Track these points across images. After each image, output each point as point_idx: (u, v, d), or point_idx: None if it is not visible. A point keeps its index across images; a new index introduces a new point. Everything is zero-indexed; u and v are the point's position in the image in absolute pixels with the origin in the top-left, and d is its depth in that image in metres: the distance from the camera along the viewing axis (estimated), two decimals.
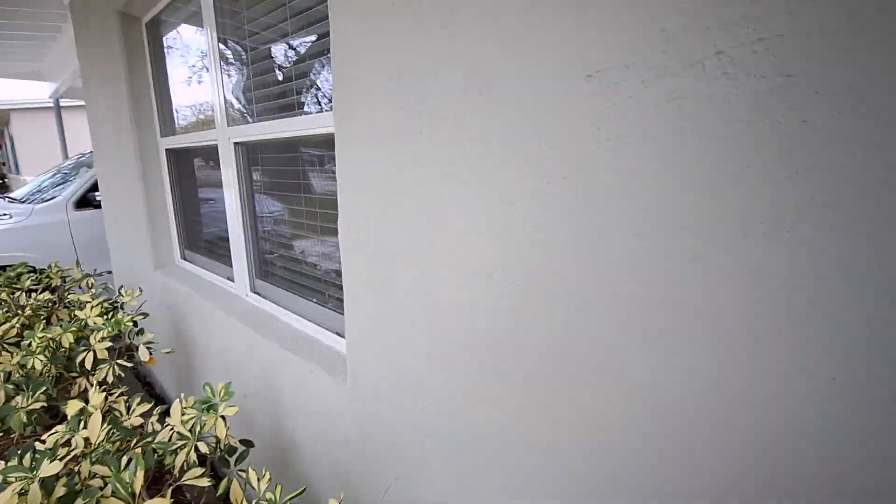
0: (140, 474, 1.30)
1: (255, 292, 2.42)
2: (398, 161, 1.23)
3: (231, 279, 2.58)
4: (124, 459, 1.37)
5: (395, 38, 1.16)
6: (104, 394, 1.78)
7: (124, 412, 1.76)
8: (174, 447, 1.55)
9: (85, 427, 1.55)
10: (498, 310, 1.07)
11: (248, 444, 1.79)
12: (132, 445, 1.68)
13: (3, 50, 5.48)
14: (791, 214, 0.67)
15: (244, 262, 2.41)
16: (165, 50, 2.94)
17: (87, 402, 1.73)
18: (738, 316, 0.73)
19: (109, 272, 4.25)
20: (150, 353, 2.45)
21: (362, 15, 1.24)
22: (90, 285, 3.42)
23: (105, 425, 1.53)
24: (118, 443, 1.61)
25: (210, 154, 2.64)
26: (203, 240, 3.03)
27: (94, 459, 1.40)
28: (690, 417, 0.80)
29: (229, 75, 2.28)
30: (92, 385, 2.36)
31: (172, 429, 1.59)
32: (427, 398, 1.31)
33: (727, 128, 0.70)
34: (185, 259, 3.16)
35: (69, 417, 1.64)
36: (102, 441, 1.49)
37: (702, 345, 0.77)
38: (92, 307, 2.49)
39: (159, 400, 3.63)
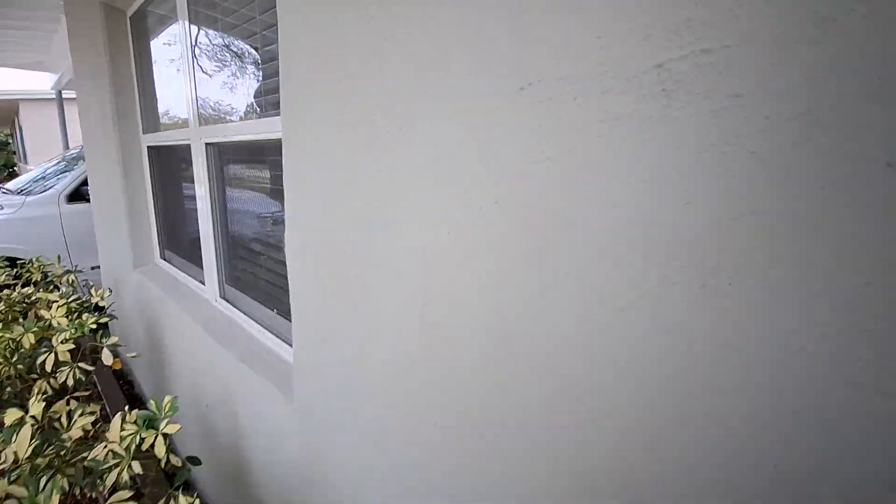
0: (55, 498, 1.21)
1: (224, 298, 2.33)
2: (341, 174, 1.12)
3: (204, 283, 2.50)
4: (43, 480, 1.28)
5: (338, 42, 1.06)
6: (44, 403, 1.70)
7: (65, 423, 1.68)
8: (106, 466, 1.45)
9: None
10: (429, 339, 0.96)
11: (194, 461, 1.70)
12: (69, 461, 1.59)
13: (7, 40, 5.50)
14: (728, 270, 0.55)
15: (214, 267, 2.32)
16: (150, 45, 2.87)
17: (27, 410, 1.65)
18: (656, 372, 0.62)
19: (98, 267, 4.21)
20: (116, 356, 2.38)
21: (306, 17, 1.14)
22: (70, 282, 3.37)
23: (33, 440, 1.44)
24: (52, 458, 1.53)
25: (188, 153, 2.56)
26: (181, 241, 2.96)
27: (12, 478, 1.32)
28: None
29: (204, 72, 2.20)
30: (54, 388, 2.29)
31: (106, 446, 1.50)
32: (364, 421, 1.20)
33: (667, 156, 0.59)
34: (164, 259, 3.09)
35: (5, 427, 1.57)
36: (28, 457, 1.40)
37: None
38: (58, 307, 2.42)
39: (136, 400, 3.57)
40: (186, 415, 2.50)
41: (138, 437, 1.54)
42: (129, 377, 3.88)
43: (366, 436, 1.20)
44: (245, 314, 2.12)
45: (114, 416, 1.65)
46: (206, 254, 2.36)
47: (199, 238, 2.41)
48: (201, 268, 2.49)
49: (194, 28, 2.15)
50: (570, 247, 0.70)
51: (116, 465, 1.48)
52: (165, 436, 1.59)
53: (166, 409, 1.64)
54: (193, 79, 2.19)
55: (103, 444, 1.53)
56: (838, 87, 0.47)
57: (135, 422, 1.60)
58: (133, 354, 2.40)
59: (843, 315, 0.49)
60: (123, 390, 3.69)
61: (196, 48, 2.16)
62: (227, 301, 2.29)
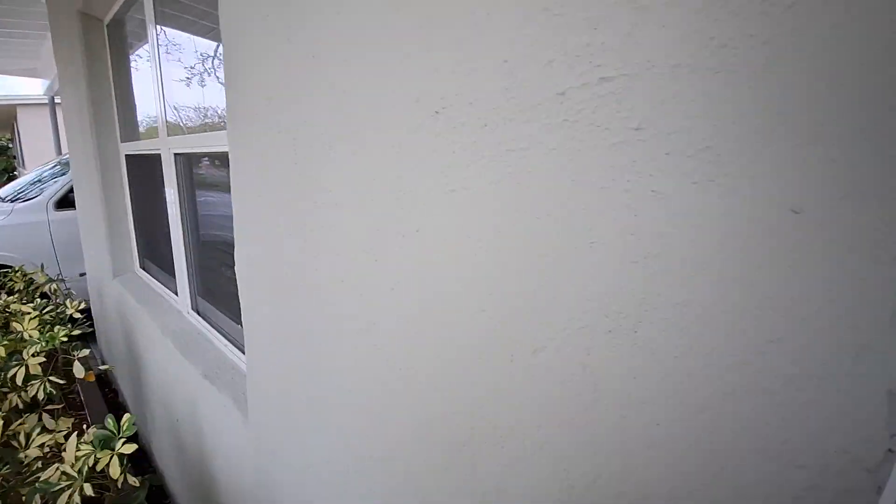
0: None
1: (195, 310, 2.29)
2: (279, 191, 1.08)
3: (177, 294, 2.46)
4: None
5: (269, 57, 1.02)
6: (2, 420, 1.66)
7: (23, 442, 1.64)
8: (57, 488, 1.41)
9: None
10: (361, 371, 0.91)
11: (154, 480, 1.65)
12: (27, 481, 1.56)
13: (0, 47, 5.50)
14: (634, 311, 0.50)
15: (185, 278, 2.28)
16: (127, 53, 2.84)
17: None
18: (566, 417, 0.57)
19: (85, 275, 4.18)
20: (89, 369, 2.35)
21: (242, 31, 1.10)
22: (53, 290, 3.35)
23: None
24: (6, 477, 1.49)
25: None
26: (158, 250, 2.92)
27: None
28: None
29: (172, 81, 2.16)
30: (25, 402, 2.26)
31: (58, 468, 1.46)
32: (309, 444, 1.15)
33: (570, 193, 0.54)
34: (143, 269, 3.06)
35: None
36: None
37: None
38: (30, 319, 2.39)
39: (120, 409, 3.54)
40: (161, 428, 2.47)
41: (93, 457, 1.51)
42: (115, 385, 3.85)
43: (308, 466, 1.16)
44: (214, 328, 2.08)
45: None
46: (178, 265, 2.32)
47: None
48: (175, 278, 2.46)
49: (162, 37, 2.11)
50: (487, 283, 0.65)
51: (67, 488, 1.44)
52: (122, 456, 1.55)
53: (124, 429, 1.60)
54: (161, 88, 2.15)
55: (56, 465, 1.49)
56: (738, 121, 0.42)
57: (91, 442, 1.57)
58: (105, 367, 2.37)
59: (745, 376, 0.43)
60: (108, 399, 3.67)
61: (162, 57, 2.13)
62: (199, 313, 2.25)
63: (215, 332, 2.06)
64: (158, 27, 2.10)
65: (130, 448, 1.53)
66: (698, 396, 0.46)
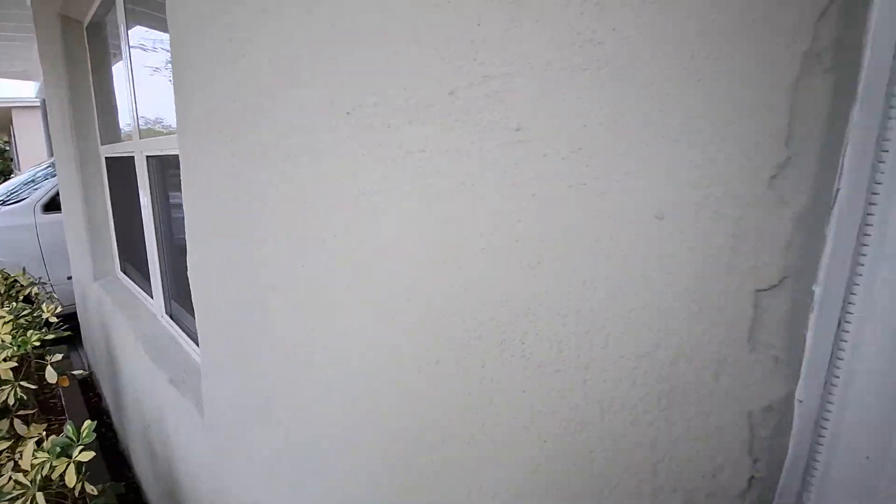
0: None
1: (168, 314, 2.27)
2: (221, 196, 1.06)
3: (153, 297, 2.44)
4: None
5: (208, 58, 1.00)
6: None
7: None
8: (8, 498, 1.39)
9: None
10: (296, 382, 0.89)
11: (115, 489, 1.63)
12: None
13: None
14: (522, 322, 0.47)
15: (159, 283, 2.27)
16: (107, 55, 2.83)
17: None
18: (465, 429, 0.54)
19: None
20: (62, 374, 2.33)
21: (187, 31, 1.08)
22: (35, 294, 3.33)
23: None
24: None
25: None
26: (138, 253, 2.91)
27: None
28: None
29: (143, 84, 2.15)
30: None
31: (10, 477, 1.43)
32: (254, 446, 1.13)
33: (462, 197, 0.51)
34: (123, 272, 3.04)
35: None
36: None
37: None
38: (3, 323, 2.37)
39: (102, 413, 3.51)
40: (136, 433, 2.45)
41: (49, 465, 1.48)
42: (99, 390, 3.83)
43: (257, 476, 1.13)
44: (185, 332, 2.05)
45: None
46: (153, 269, 2.30)
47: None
48: (150, 282, 2.44)
49: (133, 38, 2.09)
50: (395, 291, 0.62)
51: (22, 496, 1.41)
52: (80, 464, 1.52)
53: (84, 436, 1.58)
54: (133, 91, 2.13)
55: (8, 474, 1.46)
56: (605, 122, 0.39)
57: (49, 450, 1.54)
58: (79, 371, 2.35)
59: (619, 391, 0.41)
60: (91, 404, 3.64)
61: (135, 59, 2.11)
62: (171, 318, 2.23)
63: (185, 336, 2.04)
64: (130, 30, 2.08)
65: (88, 455, 1.51)
66: (579, 413, 0.44)
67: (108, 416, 3.40)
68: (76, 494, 1.52)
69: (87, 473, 1.54)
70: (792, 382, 0.33)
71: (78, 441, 1.56)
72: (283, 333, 0.90)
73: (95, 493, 1.54)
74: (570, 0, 0.40)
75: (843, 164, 0.38)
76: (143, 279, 2.66)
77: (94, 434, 1.57)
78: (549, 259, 0.44)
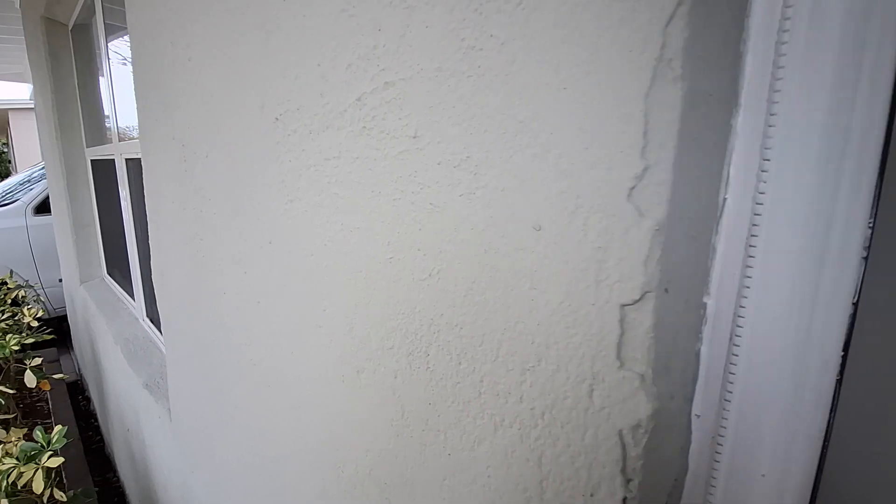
0: None
1: (149, 318, 2.26)
2: (176, 200, 1.05)
3: (136, 300, 2.44)
4: None
5: (161, 62, 0.99)
6: None
7: None
8: None
9: None
10: (246, 378, 0.88)
11: (88, 493, 1.62)
12: None
13: None
14: (426, 333, 0.46)
15: (140, 286, 2.26)
16: (92, 57, 2.83)
17: None
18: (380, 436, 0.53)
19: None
20: (43, 377, 2.32)
21: (143, 34, 1.07)
22: (22, 297, 3.33)
23: None
24: None
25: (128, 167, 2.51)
26: (123, 256, 2.90)
27: None
28: None
29: (123, 85, 2.14)
30: None
31: None
32: (217, 452, 1.12)
33: (371, 206, 0.50)
34: (109, 275, 3.04)
35: None
36: None
37: None
38: None
39: (90, 417, 3.51)
40: (118, 437, 2.44)
41: (16, 471, 1.47)
42: (88, 393, 3.83)
43: (223, 488, 1.12)
44: (162, 335, 2.05)
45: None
46: (134, 272, 2.30)
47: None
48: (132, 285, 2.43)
49: (112, 40, 2.09)
50: (320, 299, 0.61)
51: None
52: (49, 470, 1.52)
53: (54, 441, 1.57)
54: (112, 93, 2.13)
55: None
56: (490, 129, 0.38)
57: (18, 456, 1.53)
58: (59, 375, 2.34)
59: (508, 406, 0.40)
60: (80, 407, 3.64)
61: (114, 62, 2.11)
62: (152, 321, 2.23)
63: (162, 338, 2.04)
64: (108, 34, 2.08)
65: (56, 461, 1.50)
66: (476, 427, 0.43)
67: (96, 420, 3.40)
68: (45, 501, 1.51)
69: (57, 479, 1.53)
70: (657, 401, 0.31)
71: (48, 446, 1.55)
72: (238, 340, 0.89)
73: (65, 499, 1.53)
74: (454, 6, 0.39)
75: (728, 174, 0.37)
76: (126, 282, 2.66)
77: (66, 440, 1.56)
78: (446, 269, 0.43)
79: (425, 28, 0.41)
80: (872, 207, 0.33)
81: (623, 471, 0.32)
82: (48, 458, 1.50)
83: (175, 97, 0.95)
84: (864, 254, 0.35)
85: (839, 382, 0.43)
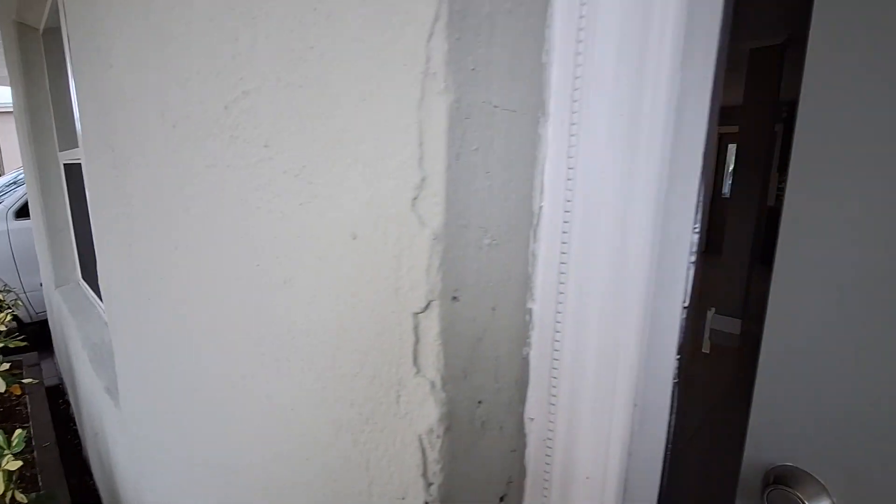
0: None
1: None
2: (110, 205, 1.05)
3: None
4: None
5: (91, 68, 0.99)
6: None
7: None
8: None
9: None
10: (174, 384, 0.88)
11: (48, 495, 1.62)
12: None
13: None
14: (286, 342, 0.47)
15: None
16: (64, 61, 2.82)
17: None
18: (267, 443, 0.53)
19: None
20: (13, 382, 2.32)
21: (78, 48, 1.07)
22: (1, 301, 3.32)
23: None
24: None
25: None
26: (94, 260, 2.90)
27: None
28: None
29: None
30: None
31: None
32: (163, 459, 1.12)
33: (241, 214, 0.51)
34: (85, 279, 3.03)
35: None
36: None
37: None
38: None
39: (70, 421, 3.50)
40: (90, 440, 2.44)
41: None
42: (68, 396, 3.82)
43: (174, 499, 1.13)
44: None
45: (38, 439, 1.58)
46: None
47: None
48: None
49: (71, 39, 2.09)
50: (212, 306, 0.62)
51: None
52: (9, 473, 1.52)
53: (14, 444, 1.57)
54: (76, 96, 2.12)
55: None
56: (319, 138, 0.39)
57: None
58: (30, 380, 2.33)
59: (342, 405, 0.40)
60: (61, 410, 3.64)
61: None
62: None
63: None
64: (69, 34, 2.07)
65: (16, 465, 1.50)
66: (323, 433, 0.43)
67: (74, 423, 3.39)
68: (7, 502, 1.51)
69: (17, 481, 1.53)
70: (448, 406, 0.32)
71: (8, 449, 1.55)
72: (166, 346, 0.89)
73: (26, 501, 1.54)
74: (284, 17, 0.39)
75: (542, 182, 0.37)
76: (97, 286, 2.65)
77: (24, 443, 1.56)
78: (295, 277, 0.44)
79: (266, 38, 0.42)
80: (657, 214, 0.34)
81: (424, 475, 0.33)
82: (8, 461, 1.50)
83: (104, 103, 0.95)
84: (653, 254, 0.35)
85: (677, 385, 0.44)
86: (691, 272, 0.41)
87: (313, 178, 0.40)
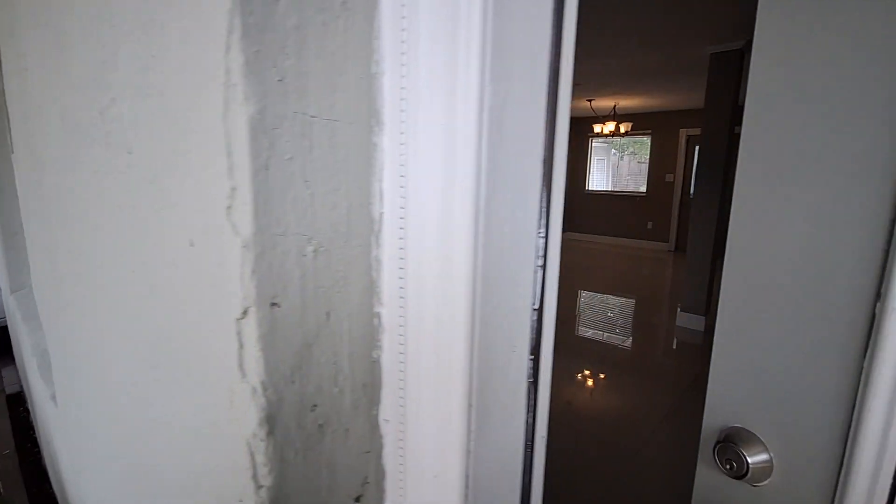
0: None
1: None
2: (34, 214, 1.03)
3: None
4: None
5: (10, 68, 0.97)
6: None
7: None
8: None
9: None
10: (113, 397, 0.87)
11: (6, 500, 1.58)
12: None
13: None
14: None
15: None
16: None
17: None
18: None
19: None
20: None
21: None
22: None
23: None
24: None
25: None
26: None
27: None
28: None
29: None
30: None
31: None
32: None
33: (117, 220, 0.51)
34: None
35: None
36: None
37: None
38: None
39: (29, 427, 3.41)
40: (45, 448, 2.38)
41: None
42: (28, 403, 3.72)
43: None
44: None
45: None
46: None
47: None
48: None
49: None
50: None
51: None
52: None
53: None
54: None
55: None
56: (169, 143, 0.39)
57: None
58: None
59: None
60: (22, 417, 3.54)
61: None
62: None
63: None
64: None
65: None
66: (184, 441, 0.44)
67: (34, 431, 3.31)
68: None
69: None
70: (267, 410, 0.33)
71: None
72: (84, 352, 0.88)
73: None
74: (135, 23, 0.39)
75: (381, 189, 0.38)
76: None
77: None
78: (159, 284, 0.44)
79: (123, 45, 0.42)
80: (477, 221, 0.35)
81: (254, 477, 0.34)
82: None
83: (26, 107, 0.93)
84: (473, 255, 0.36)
85: (532, 385, 0.45)
86: (539, 275, 0.42)
87: (164, 185, 0.40)
